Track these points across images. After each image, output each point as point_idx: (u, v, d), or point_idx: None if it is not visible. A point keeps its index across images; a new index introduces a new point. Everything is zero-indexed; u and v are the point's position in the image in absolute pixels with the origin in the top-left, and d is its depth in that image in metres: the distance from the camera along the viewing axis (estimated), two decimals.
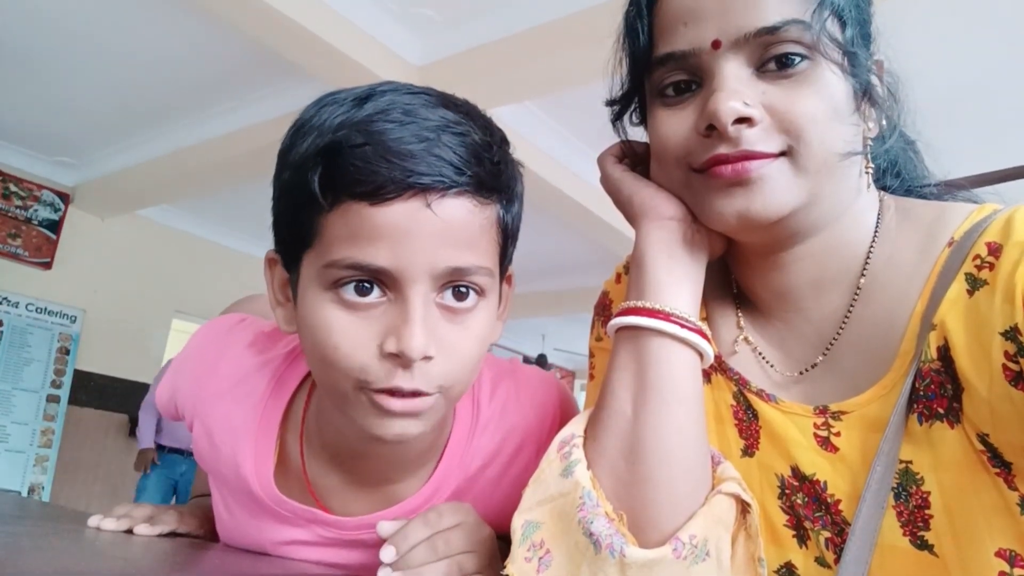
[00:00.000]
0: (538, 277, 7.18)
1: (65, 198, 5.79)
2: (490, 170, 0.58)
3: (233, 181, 5.07)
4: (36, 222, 5.64)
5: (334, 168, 0.54)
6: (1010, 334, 0.48)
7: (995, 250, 0.52)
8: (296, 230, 0.58)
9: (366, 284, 0.56)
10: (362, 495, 0.69)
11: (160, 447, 4.53)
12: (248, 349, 0.75)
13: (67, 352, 5.69)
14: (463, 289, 0.58)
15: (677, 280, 0.58)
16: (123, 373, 5.92)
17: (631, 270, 0.61)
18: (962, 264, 0.53)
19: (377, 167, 0.53)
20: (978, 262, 0.52)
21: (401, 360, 0.54)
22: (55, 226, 5.74)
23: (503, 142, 0.64)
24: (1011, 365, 0.48)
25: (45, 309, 5.61)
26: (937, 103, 3.61)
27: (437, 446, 0.69)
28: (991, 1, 2.94)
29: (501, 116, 4.06)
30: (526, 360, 10.23)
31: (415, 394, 0.56)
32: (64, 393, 5.64)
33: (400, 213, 0.53)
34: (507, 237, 0.64)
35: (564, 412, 0.73)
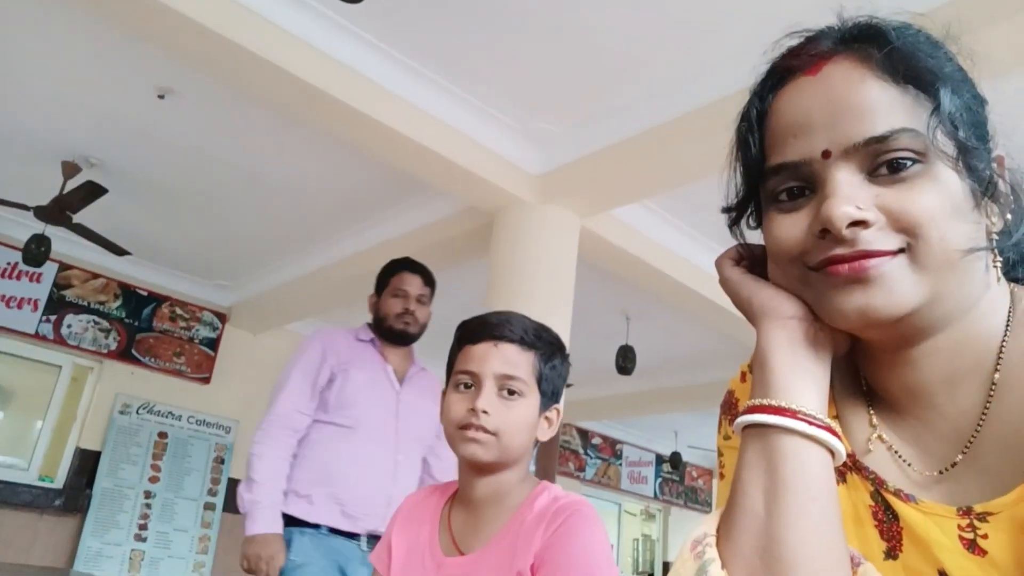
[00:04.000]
0: (667, 373, 7.05)
1: (222, 318, 6.33)
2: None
3: (369, 293, 5.39)
4: (197, 341, 6.19)
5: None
6: None
7: None
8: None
9: (466, 383, 1.14)
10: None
11: None
12: None
13: (222, 461, 6.08)
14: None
15: (802, 378, 0.58)
16: None
17: (755, 370, 0.61)
18: None
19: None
20: None
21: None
22: (214, 344, 6.27)
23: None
24: None
25: (204, 421, 6.06)
26: None
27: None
28: None
29: (621, 216, 4.16)
30: (659, 459, 9.90)
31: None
32: (219, 501, 5.98)
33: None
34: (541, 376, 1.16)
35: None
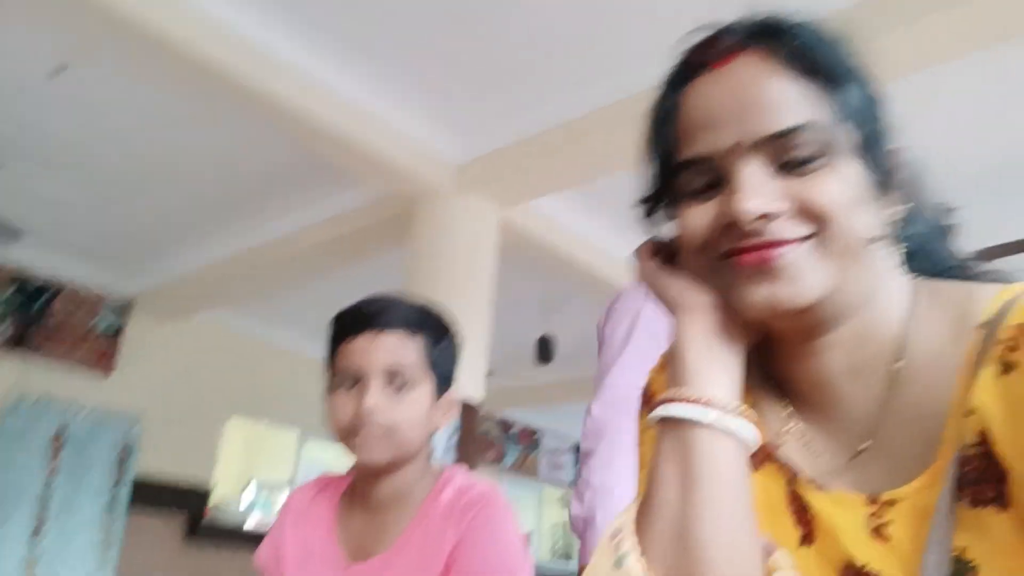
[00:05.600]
0: (586, 362, 7.12)
1: (126, 306, 6.04)
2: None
3: (285, 283, 5.25)
4: (99, 331, 5.88)
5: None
6: None
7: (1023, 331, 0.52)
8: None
9: (350, 382, 1.07)
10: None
11: None
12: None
13: (127, 456, 5.81)
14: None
15: (715, 368, 0.59)
16: (181, 475, 6.00)
17: (670, 362, 0.63)
18: (993, 347, 0.53)
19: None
20: (1008, 345, 0.52)
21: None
22: (116, 333, 5.97)
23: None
24: None
25: (106, 414, 5.77)
26: (986, 175, 3.59)
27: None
28: None
29: (541, 207, 4.17)
30: (576, 446, 10.04)
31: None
32: (124, 495, 5.72)
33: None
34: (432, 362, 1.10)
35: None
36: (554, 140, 3.49)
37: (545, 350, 5.80)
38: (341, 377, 1.07)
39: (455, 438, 3.47)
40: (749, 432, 0.58)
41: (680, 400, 0.59)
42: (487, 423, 8.86)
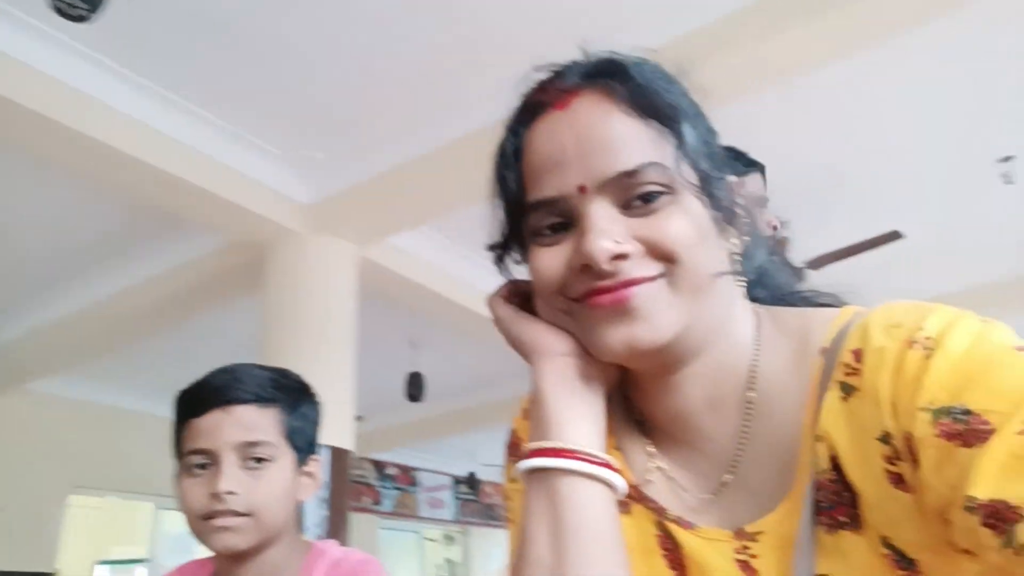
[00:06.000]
0: (458, 395, 7.11)
1: None
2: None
3: (124, 341, 4.87)
4: None
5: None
6: (884, 438, 0.50)
7: (859, 356, 0.54)
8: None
9: (200, 463, 0.97)
10: None
11: None
12: None
13: None
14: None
15: (578, 415, 0.58)
16: (19, 565, 5.38)
17: (531, 410, 0.61)
18: (834, 372, 0.55)
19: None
20: (847, 369, 0.54)
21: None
22: None
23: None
24: (891, 468, 0.50)
25: None
26: (806, 186, 3.91)
27: None
28: (847, 99, 3.28)
29: (400, 243, 4.13)
30: (456, 481, 9.93)
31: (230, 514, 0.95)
32: None
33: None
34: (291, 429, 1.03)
35: None
36: (407, 176, 3.47)
37: (415, 387, 5.72)
38: (190, 459, 0.98)
39: (328, 490, 3.33)
40: (617, 477, 0.57)
41: (545, 451, 0.57)
42: (361, 468, 8.60)
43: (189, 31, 2.76)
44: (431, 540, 10.17)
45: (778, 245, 4.50)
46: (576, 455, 0.56)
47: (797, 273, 4.32)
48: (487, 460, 9.71)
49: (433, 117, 3.27)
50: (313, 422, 1.08)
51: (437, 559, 10.23)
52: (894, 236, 4.15)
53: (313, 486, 1.07)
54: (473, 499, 10.26)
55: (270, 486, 0.97)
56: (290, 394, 1.05)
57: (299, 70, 2.99)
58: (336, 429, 3.40)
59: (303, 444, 1.04)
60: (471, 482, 9.38)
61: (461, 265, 4.49)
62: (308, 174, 3.66)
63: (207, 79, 3.02)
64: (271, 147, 3.46)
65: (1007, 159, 3.83)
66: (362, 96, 3.15)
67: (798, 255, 4.34)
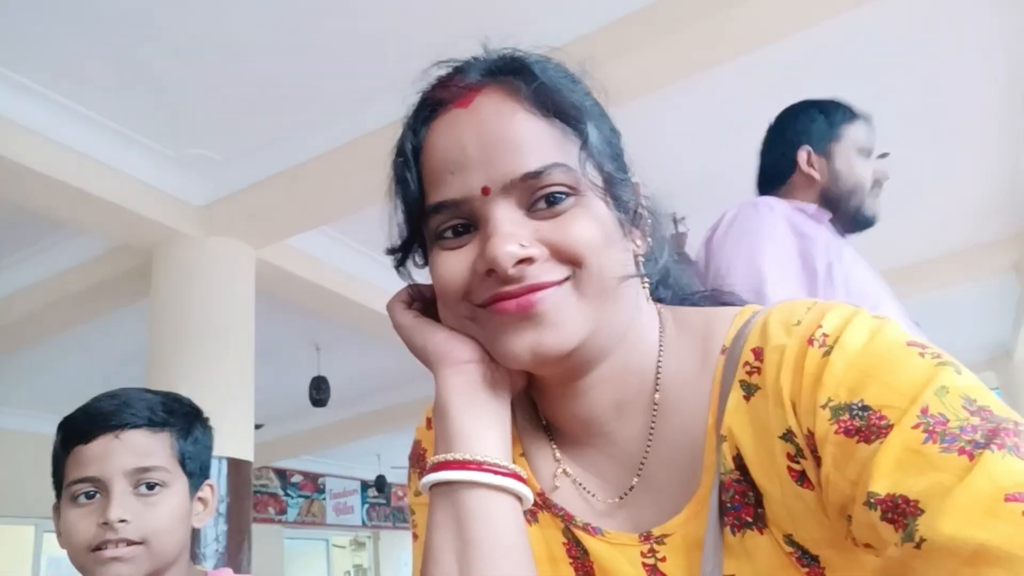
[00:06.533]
0: (364, 398, 6.99)
1: None
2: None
3: (0, 354, 4.53)
4: None
5: None
6: (787, 436, 0.51)
7: (759, 355, 0.54)
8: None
9: (88, 492, 0.93)
10: None
11: None
12: None
13: None
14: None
15: (484, 425, 0.57)
16: None
17: (435, 420, 0.59)
18: (736, 372, 0.55)
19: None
20: (748, 368, 0.55)
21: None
22: None
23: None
24: (794, 466, 0.51)
25: None
26: (692, 185, 4.04)
27: None
28: (728, 105, 3.40)
29: (299, 244, 4.01)
30: (364, 485, 9.77)
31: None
32: None
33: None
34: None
35: None
36: (305, 175, 3.37)
37: (320, 392, 5.58)
38: (76, 488, 0.93)
39: (224, 504, 3.19)
40: (524, 488, 0.56)
41: (450, 463, 0.55)
42: (264, 477, 8.33)
43: (61, 20, 2.57)
44: (340, 547, 9.98)
45: (678, 240, 4.65)
46: (482, 467, 0.54)
47: (695, 267, 4.48)
48: (396, 462, 9.61)
49: (332, 114, 3.18)
50: (206, 446, 1.05)
51: (346, 565, 10.04)
52: None
53: (207, 512, 1.03)
54: (382, 503, 10.12)
55: (163, 513, 0.94)
56: (182, 418, 1.02)
57: (190, 67, 2.84)
58: (235, 439, 3.27)
59: (196, 469, 1.01)
60: (380, 485, 9.24)
61: (364, 265, 4.40)
62: (201, 174, 3.50)
63: (87, 74, 2.83)
64: (160, 146, 3.28)
65: (884, 155, 4.07)
66: (257, 93, 3.03)
67: (696, 250, 4.51)
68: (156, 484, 0.95)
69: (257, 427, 3.70)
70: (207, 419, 1.08)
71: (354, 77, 2.98)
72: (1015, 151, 4.21)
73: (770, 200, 1.54)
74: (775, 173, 1.68)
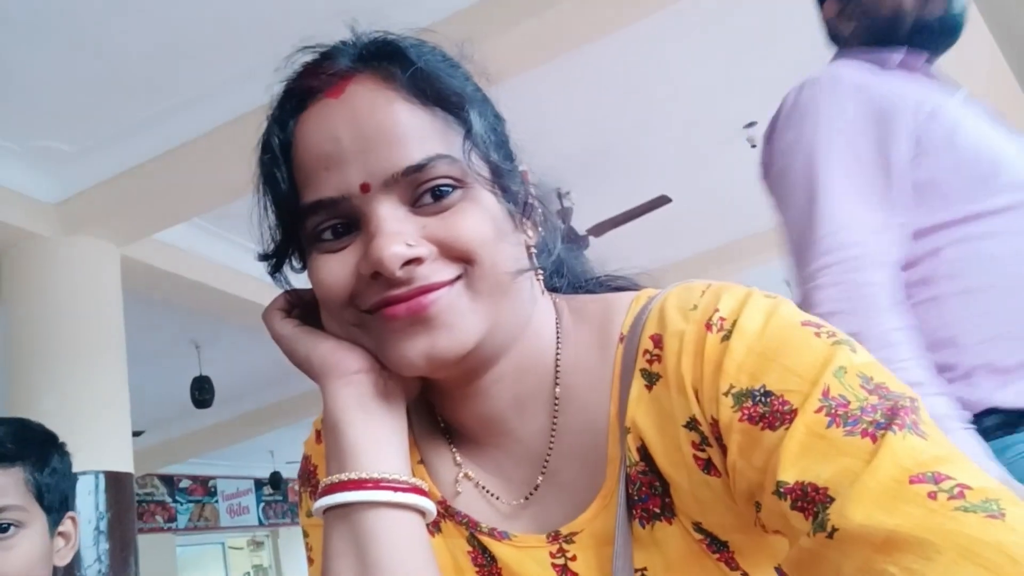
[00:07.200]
0: (251, 395, 6.73)
1: None
2: None
3: None
4: None
5: None
6: (691, 424, 0.50)
7: (658, 342, 0.53)
8: None
9: None
10: None
11: None
12: None
13: None
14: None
15: (379, 438, 0.53)
16: None
17: (326, 437, 0.55)
18: (636, 360, 0.54)
19: None
20: (648, 356, 0.53)
21: None
22: None
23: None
24: (699, 454, 0.50)
25: None
26: (582, 159, 4.08)
27: None
28: (612, 79, 3.43)
29: (169, 239, 3.78)
30: (259, 483, 9.45)
31: None
32: None
33: None
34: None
35: None
36: (170, 166, 3.15)
37: (203, 392, 5.33)
38: None
39: (105, 520, 2.98)
40: (426, 502, 0.53)
41: (345, 484, 0.51)
42: (149, 486, 7.91)
43: None
44: (237, 548, 9.65)
45: (564, 214, 4.67)
46: (380, 484, 0.51)
47: (581, 241, 4.55)
48: (290, 457, 9.35)
49: (194, 102, 2.98)
50: (65, 475, 0.96)
51: (245, 566, 9.74)
52: (663, 200, 4.48)
53: (70, 547, 0.95)
54: (279, 500, 9.84)
55: (20, 557, 0.86)
56: (36, 448, 0.92)
57: (33, 48, 2.58)
58: (112, 450, 3.07)
59: (56, 502, 0.92)
60: (275, 483, 8.98)
61: (242, 257, 4.20)
62: (52, 169, 3.20)
63: None
64: (2, 140, 2.98)
65: (751, 124, 4.26)
66: (111, 76, 2.79)
67: (581, 223, 4.58)
68: (10, 525, 0.86)
69: (137, 434, 3.49)
70: (63, 444, 0.98)
71: (219, 58, 2.81)
72: None
73: (837, 69, 1.17)
74: (833, 36, 1.30)
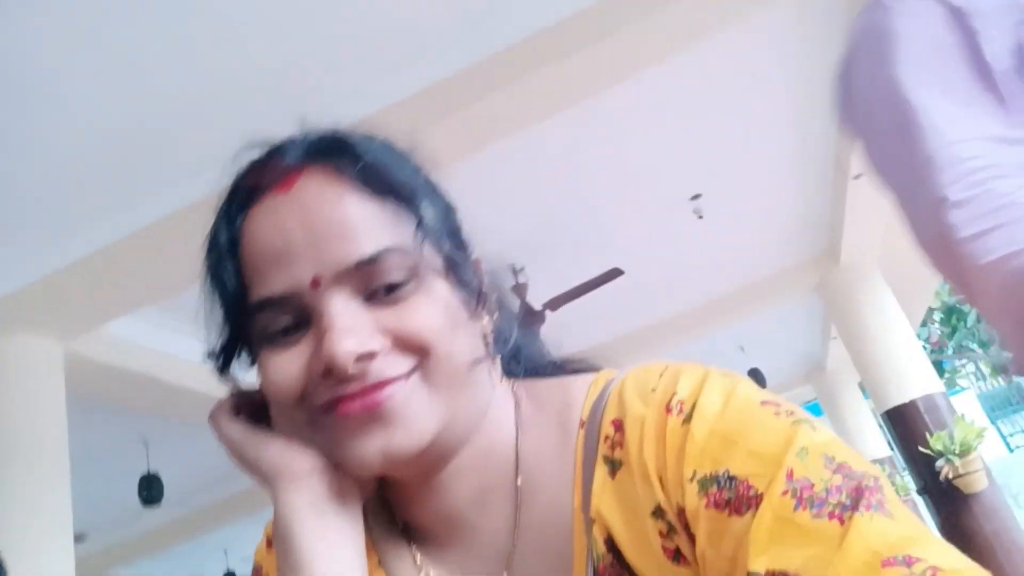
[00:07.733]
0: (201, 491, 6.47)
1: None
2: None
3: None
4: None
5: None
6: (657, 512, 0.49)
7: (619, 426, 0.52)
8: None
9: None
10: None
11: None
12: None
13: None
14: None
15: (332, 544, 0.50)
16: None
17: (276, 544, 0.52)
18: (597, 446, 0.53)
19: None
20: (609, 442, 0.52)
21: None
22: None
23: None
24: (667, 544, 0.49)
25: None
26: (534, 235, 4.11)
27: None
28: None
29: (115, 332, 3.67)
30: None
31: None
32: None
33: None
34: None
35: None
36: (115, 258, 3.07)
37: (151, 490, 5.10)
38: None
39: None
40: None
41: None
42: None
43: None
44: None
45: (519, 290, 4.68)
46: None
47: (538, 316, 4.56)
48: (245, 553, 8.93)
49: (138, 194, 2.95)
50: None
51: None
52: (616, 273, 4.54)
53: None
54: None
55: None
56: None
57: None
58: (49, 559, 2.87)
59: None
60: None
61: (192, 347, 4.08)
62: None
63: None
64: None
65: (696, 197, 4.39)
66: (49, 177, 2.75)
67: (537, 298, 4.60)
68: None
69: (79, 539, 3.29)
70: (2, 561, 0.91)
71: (164, 153, 2.80)
72: (803, 186, 4.69)
73: None
74: None
